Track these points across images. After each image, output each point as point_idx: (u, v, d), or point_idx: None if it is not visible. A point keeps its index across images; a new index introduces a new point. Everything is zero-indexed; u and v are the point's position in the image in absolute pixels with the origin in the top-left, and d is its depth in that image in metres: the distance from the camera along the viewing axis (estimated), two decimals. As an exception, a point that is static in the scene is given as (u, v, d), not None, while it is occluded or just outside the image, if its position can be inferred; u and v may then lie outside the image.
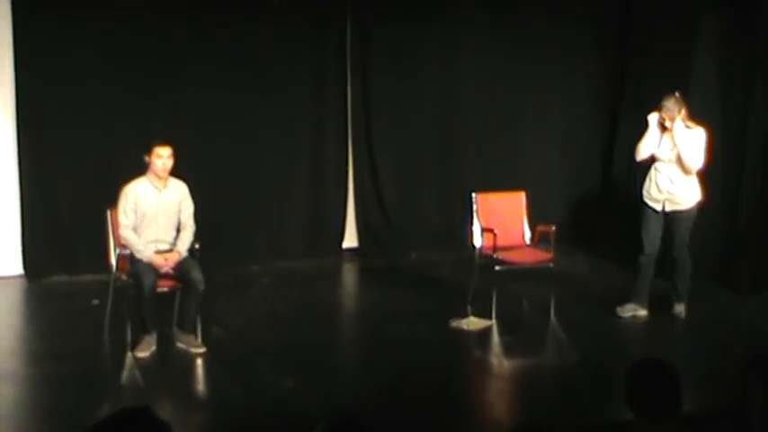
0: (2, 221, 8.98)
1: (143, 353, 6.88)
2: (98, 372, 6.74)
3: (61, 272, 9.07)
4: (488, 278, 7.84)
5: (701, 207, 7.97)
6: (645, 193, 7.96)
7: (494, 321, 7.76)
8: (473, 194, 8.26)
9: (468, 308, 7.90)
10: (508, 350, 7.48)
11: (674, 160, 7.74)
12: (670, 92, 7.76)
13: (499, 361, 7.34)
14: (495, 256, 7.85)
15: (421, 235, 10.22)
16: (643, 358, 3.88)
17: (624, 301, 8.01)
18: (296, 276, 9.32)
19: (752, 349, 4.17)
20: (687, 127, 7.75)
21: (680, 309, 7.98)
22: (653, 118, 7.77)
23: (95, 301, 7.98)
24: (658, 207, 7.88)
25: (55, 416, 5.93)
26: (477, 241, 8.12)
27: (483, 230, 8.09)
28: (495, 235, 7.88)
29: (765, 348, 4.35)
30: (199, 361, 6.95)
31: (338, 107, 9.95)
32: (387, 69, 9.97)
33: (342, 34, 9.85)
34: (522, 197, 8.45)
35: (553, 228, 8.01)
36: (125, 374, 6.64)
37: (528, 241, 8.32)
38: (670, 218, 7.88)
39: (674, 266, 7.97)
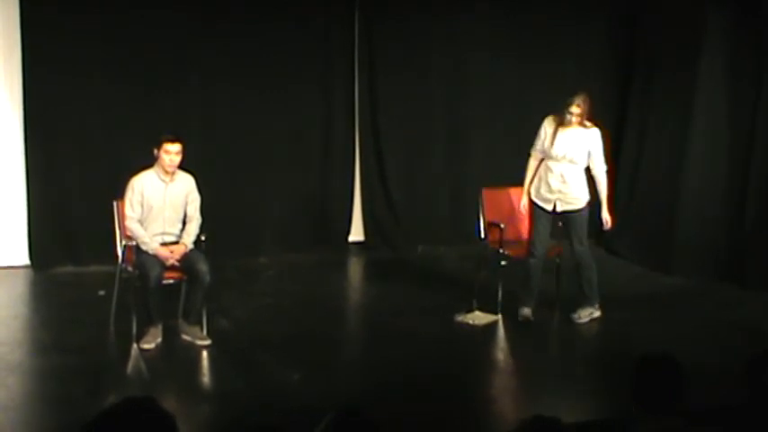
0: (8, 212, 8.99)
1: (148, 344, 6.89)
2: (103, 363, 6.75)
3: (67, 262, 9.09)
4: (494, 273, 7.83)
5: (704, 203, 7.91)
6: (534, 192, 7.69)
7: (499, 316, 7.75)
8: (481, 189, 8.23)
9: (474, 302, 7.87)
10: (514, 345, 7.48)
11: (569, 159, 7.56)
12: (582, 90, 7.64)
13: (504, 356, 7.34)
14: (501, 250, 7.84)
15: (427, 229, 10.21)
16: (647, 352, 3.88)
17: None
18: (302, 269, 9.32)
19: (758, 346, 4.16)
20: (583, 126, 7.58)
21: (589, 312, 7.71)
22: (548, 123, 7.63)
23: (101, 293, 7.99)
24: (549, 207, 7.63)
25: (60, 406, 5.95)
26: (484, 236, 8.10)
27: (489, 225, 8.07)
28: (501, 230, 7.86)
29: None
30: (204, 353, 6.95)
31: (345, 101, 9.94)
32: (394, 64, 9.95)
33: (350, 29, 9.83)
34: (529, 192, 8.42)
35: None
36: (130, 366, 6.65)
37: (534, 236, 8.29)
38: (564, 219, 7.67)
39: (579, 270, 7.70)
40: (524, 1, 10.14)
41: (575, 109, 7.48)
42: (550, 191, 7.61)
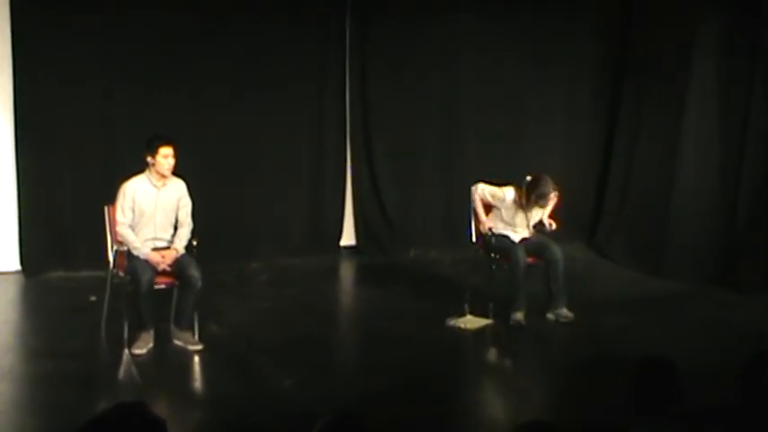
0: (-1, 217, 8.97)
1: (140, 350, 6.86)
2: (95, 368, 6.71)
3: (59, 268, 9.05)
4: (486, 277, 7.80)
5: (698, 206, 7.89)
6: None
7: (491, 320, 7.73)
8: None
9: (466, 306, 7.84)
10: (507, 349, 7.46)
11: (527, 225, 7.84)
12: (544, 175, 7.70)
13: (498, 360, 7.32)
14: (493, 254, 7.81)
15: (419, 233, 10.21)
16: (644, 355, 3.87)
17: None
18: (294, 274, 9.30)
19: (754, 349, 4.14)
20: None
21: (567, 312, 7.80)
22: (509, 193, 7.72)
23: (93, 298, 7.95)
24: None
25: (51, 412, 5.92)
26: (475, 239, 8.07)
27: (481, 229, 8.04)
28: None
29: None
30: (196, 358, 6.93)
31: (337, 104, 9.93)
32: (386, 67, 9.95)
33: (341, 31, 9.82)
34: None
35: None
36: (122, 371, 6.62)
37: (526, 239, 8.27)
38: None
39: (556, 269, 7.71)
40: (517, 5, 10.13)
41: (552, 198, 7.66)
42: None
